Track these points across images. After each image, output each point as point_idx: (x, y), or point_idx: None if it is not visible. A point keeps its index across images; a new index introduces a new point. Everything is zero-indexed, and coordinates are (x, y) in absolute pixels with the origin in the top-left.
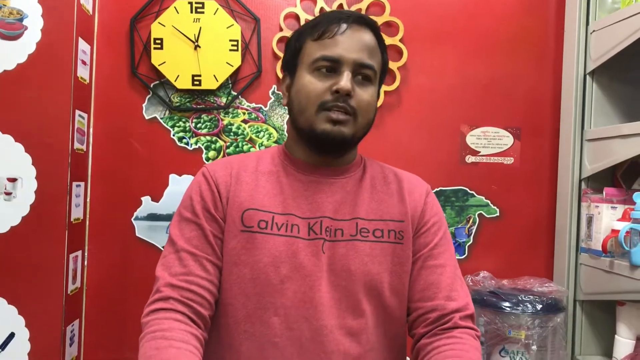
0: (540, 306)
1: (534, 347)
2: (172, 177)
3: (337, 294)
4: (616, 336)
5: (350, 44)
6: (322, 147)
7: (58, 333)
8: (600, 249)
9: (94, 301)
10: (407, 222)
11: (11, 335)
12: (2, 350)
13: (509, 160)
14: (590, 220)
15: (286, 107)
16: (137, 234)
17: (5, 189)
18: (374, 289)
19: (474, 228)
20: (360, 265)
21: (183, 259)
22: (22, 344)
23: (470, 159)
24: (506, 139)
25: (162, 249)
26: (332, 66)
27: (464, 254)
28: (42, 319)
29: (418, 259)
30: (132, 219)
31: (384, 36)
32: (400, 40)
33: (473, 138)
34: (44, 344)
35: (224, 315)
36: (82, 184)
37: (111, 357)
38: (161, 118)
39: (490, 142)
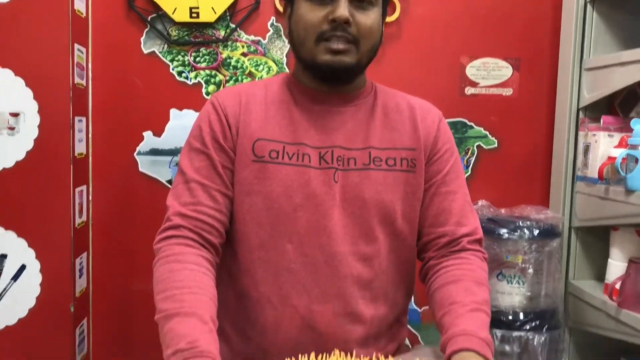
0: (537, 231)
1: (530, 271)
2: (173, 112)
3: (351, 221)
4: (609, 260)
5: None
6: (326, 78)
7: (68, 265)
8: (597, 176)
9: (100, 235)
10: (419, 150)
11: (22, 267)
12: (15, 281)
13: (507, 92)
14: (587, 149)
15: (288, 39)
16: (140, 169)
17: (8, 123)
18: (387, 217)
19: (472, 159)
20: (374, 193)
21: (192, 189)
22: (33, 275)
23: (469, 90)
24: (505, 70)
25: (165, 183)
26: None
27: None
28: (51, 251)
29: (431, 185)
30: (134, 154)
31: None
32: None
33: (473, 69)
34: (55, 275)
35: (239, 243)
36: (84, 118)
37: (119, 289)
38: (160, 52)
39: (489, 73)
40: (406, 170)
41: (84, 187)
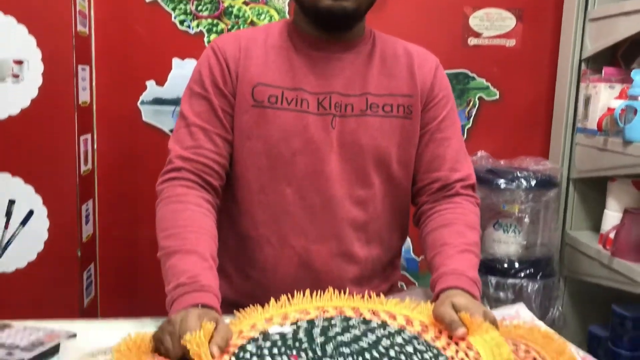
0: (534, 182)
1: (527, 221)
2: (175, 61)
3: (347, 166)
4: (605, 210)
5: None
6: (327, 24)
7: (74, 211)
8: (596, 127)
9: (106, 183)
10: (416, 97)
11: (30, 213)
12: (23, 226)
13: (510, 43)
14: (587, 100)
15: None
16: (143, 119)
17: (13, 71)
18: (383, 162)
19: (474, 111)
20: (370, 139)
21: (193, 133)
22: (41, 221)
23: (472, 41)
24: (509, 21)
25: (168, 133)
26: None
27: (464, 136)
28: (58, 198)
29: (426, 132)
30: (138, 104)
31: None
32: None
33: (476, 20)
34: (62, 221)
35: (240, 186)
36: (87, 67)
37: (124, 234)
38: (162, 0)
39: (492, 24)
40: (402, 117)
41: (88, 136)
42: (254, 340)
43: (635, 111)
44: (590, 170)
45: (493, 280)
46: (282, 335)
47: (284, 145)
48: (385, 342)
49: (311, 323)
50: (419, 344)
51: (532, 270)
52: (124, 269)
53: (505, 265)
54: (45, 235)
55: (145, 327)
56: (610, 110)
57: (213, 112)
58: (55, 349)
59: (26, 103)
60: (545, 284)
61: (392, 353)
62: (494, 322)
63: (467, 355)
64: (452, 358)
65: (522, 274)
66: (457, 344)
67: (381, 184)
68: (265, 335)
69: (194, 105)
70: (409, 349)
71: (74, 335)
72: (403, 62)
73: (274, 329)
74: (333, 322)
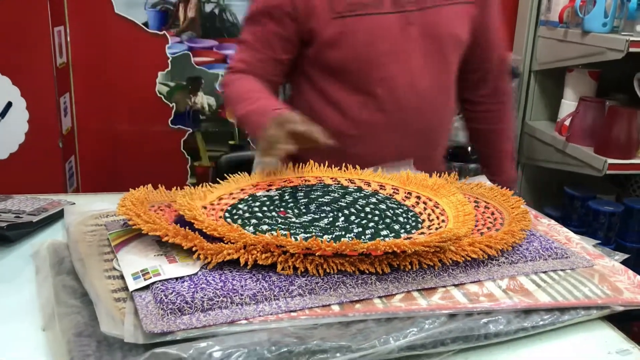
0: None
1: None
2: None
3: (430, 58)
4: (562, 100)
5: None
6: None
7: (53, 103)
8: (557, 19)
9: (81, 76)
10: None
11: (9, 105)
12: (2, 117)
13: None
14: None
15: None
16: (115, 11)
17: None
18: (459, 48)
19: None
20: (447, 28)
21: (249, 55)
22: (20, 112)
23: None
24: None
25: (141, 26)
26: None
27: None
28: (36, 90)
29: (480, 19)
30: None
31: None
32: None
33: None
34: (41, 113)
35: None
36: None
37: (102, 127)
38: None
39: None
40: (466, 2)
41: (61, 28)
42: (244, 200)
43: (595, 2)
44: (550, 61)
45: (456, 165)
46: (270, 197)
47: (371, 50)
48: (361, 202)
49: (294, 188)
50: (391, 203)
51: None
52: (102, 161)
53: (468, 152)
54: (26, 127)
55: None
56: (572, 1)
57: (272, 36)
58: (59, 214)
59: None
60: None
61: (367, 209)
62: None
63: (433, 211)
64: (420, 213)
65: None
66: (425, 203)
67: (455, 69)
68: (254, 198)
69: (251, 29)
70: (382, 206)
71: (74, 204)
72: None
73: (261, 193)
74: (314, 188)
